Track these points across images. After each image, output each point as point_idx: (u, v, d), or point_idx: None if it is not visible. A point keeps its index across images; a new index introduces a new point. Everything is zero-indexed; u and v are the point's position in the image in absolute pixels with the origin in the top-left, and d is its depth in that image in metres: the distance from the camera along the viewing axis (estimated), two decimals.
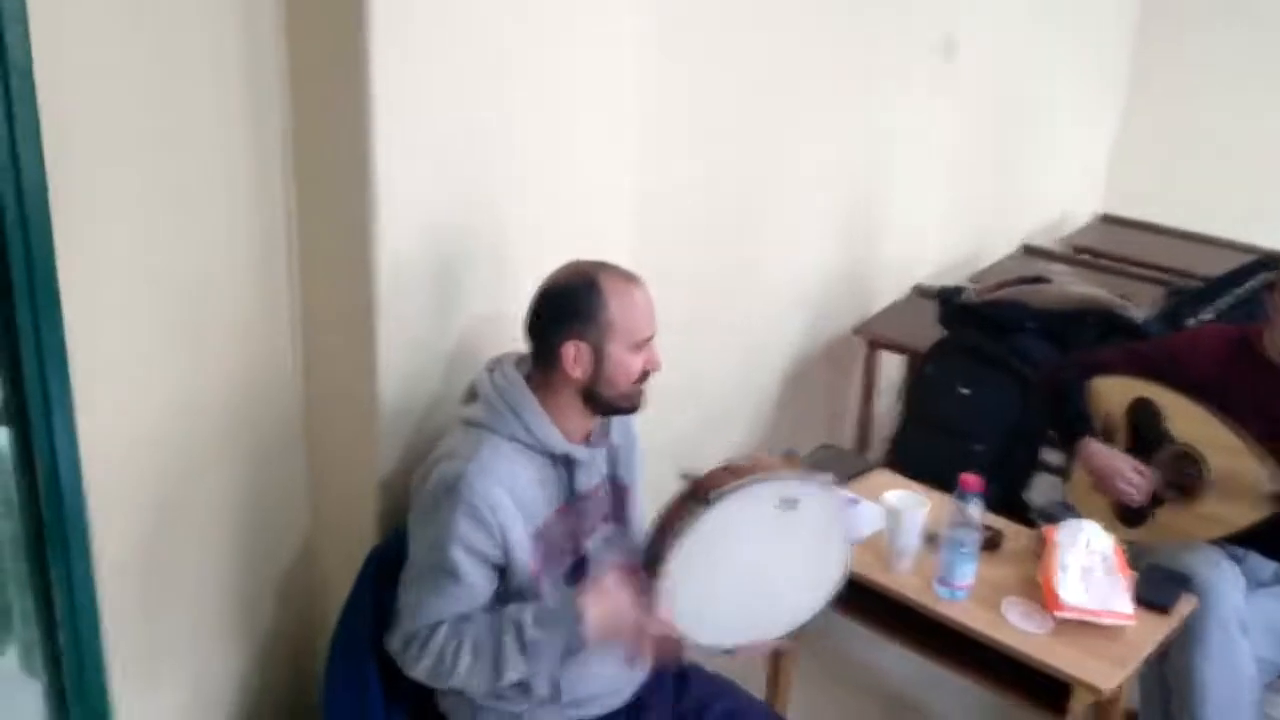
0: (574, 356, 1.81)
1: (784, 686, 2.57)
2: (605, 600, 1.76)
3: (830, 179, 3.53)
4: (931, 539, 2.28)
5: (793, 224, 3.42)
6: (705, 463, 1.80)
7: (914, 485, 2.53)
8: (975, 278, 4.07)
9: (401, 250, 1.93)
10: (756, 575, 1.81)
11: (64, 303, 1.69)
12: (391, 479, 2.05)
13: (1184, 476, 2.51)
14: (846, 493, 2.40)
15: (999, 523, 2.43)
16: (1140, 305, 3.50)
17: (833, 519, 1.84)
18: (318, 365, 2.08)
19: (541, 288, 1.86)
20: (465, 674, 1.77)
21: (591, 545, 1.93)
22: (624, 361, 1.83)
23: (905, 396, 3.60)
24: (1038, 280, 3.61)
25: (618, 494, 2.00)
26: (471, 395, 1.91)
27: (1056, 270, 3.97)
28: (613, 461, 1.99)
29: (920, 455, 3.24)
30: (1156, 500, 2.55)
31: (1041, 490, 3.39)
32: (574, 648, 1.75)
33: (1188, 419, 2.50)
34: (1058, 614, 2.12)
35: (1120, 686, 2.05)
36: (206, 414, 1.97)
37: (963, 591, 2.19)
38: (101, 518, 1.83)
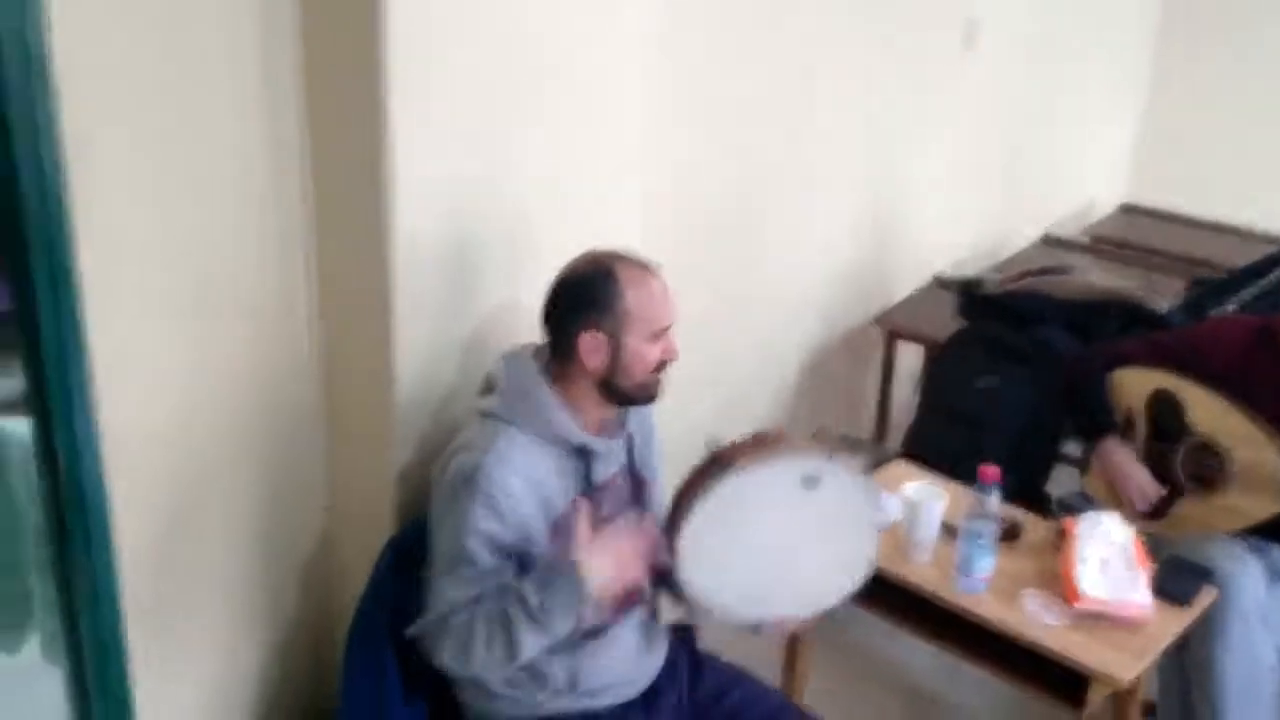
0: (591, 347, 1.81)
1: (800, 676, 2.56)
2: (603, 549, 1.74)
3: (850, 169, 3.52)
4: (950, 530, 2.27)
5: (812, 214, 3.41)
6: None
7: (932, 476, 2.53)
8: (996, 268, 4.05)
9: (418, 241, 1.94)
10: (777, 549, 1.80)
11: (83, 295, 1.70)
12: (409, 469, 2.06)
13: (1205, 468, 2.50)
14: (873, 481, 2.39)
15: (1018, 514, 2.42)
16: (1163, 296, 3.47)
17: (861, 503, 1.83)
18: (335, 356, 2.09)
19: (558, 277, 1.86)
20: (484, 652, 1.74)
21: None
22: (641, 351, 1.83)
23: (923, 386, 3.58)
24: (1059, 271, 3.59)
25: (636, 484, 1.99)
26: (488, 387, 1.91)
27: (1078, 261, 3.95)
28: (630, 451, 1.99)
29: (938, 446, 3.23)
30: (1176, 492, 2.54)
31: (1061, 482, 3.38)
32: (583, 599, 1.71)
33: (1209, 410, 2.49)
34: (1077, 606, 2.11)
35: (1139, 678, 2.04)
36: (225, 405, 1.98)
37: (981, 583, 2.18)
38: (122, 506, 1.84)
